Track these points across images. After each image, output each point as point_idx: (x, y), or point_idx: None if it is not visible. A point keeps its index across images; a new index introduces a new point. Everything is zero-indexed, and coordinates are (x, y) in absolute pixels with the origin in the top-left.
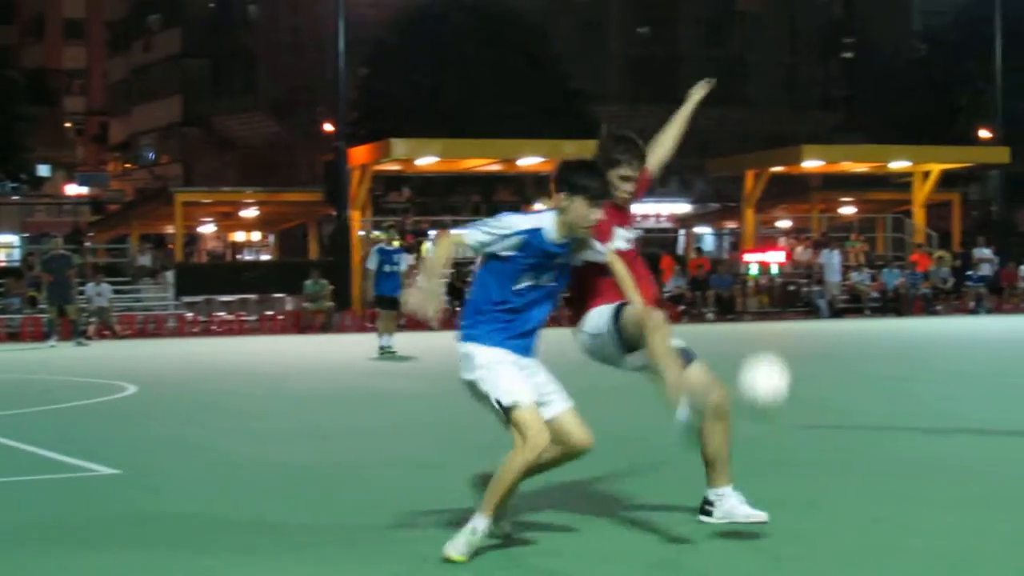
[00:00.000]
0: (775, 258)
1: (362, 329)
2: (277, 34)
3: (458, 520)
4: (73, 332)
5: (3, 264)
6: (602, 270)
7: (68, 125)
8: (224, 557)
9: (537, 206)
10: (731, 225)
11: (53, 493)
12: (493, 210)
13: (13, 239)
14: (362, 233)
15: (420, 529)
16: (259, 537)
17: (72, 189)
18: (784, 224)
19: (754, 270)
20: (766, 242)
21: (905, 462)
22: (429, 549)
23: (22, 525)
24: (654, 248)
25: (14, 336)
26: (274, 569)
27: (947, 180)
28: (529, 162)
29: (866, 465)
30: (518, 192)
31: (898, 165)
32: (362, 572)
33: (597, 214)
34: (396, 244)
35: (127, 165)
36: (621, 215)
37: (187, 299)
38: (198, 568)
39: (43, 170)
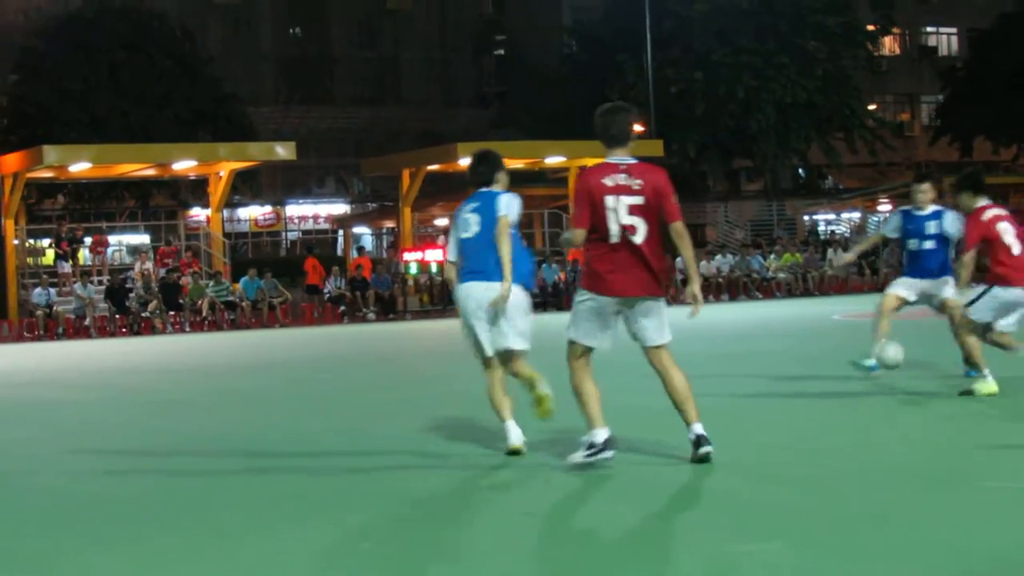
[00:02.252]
0: (434, 256)
1: (20, 339)
2: None
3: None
4: None
5: None
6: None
7: None
8: None
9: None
10: (389, 224)
11: None
12: (151, 215)
13: None
14: (16, 242)
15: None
16: None
17: None
18: (442, 222)
19: (413, 269)
20: (425, 240)
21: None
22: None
23: None
24: (303, 251)
25: None
26: None
27: None
28: (184, 166)
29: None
30: (174, 196)
31: (553, 160)
32: None
33: None
34: None
35: None
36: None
37: None
38: None
39: None
